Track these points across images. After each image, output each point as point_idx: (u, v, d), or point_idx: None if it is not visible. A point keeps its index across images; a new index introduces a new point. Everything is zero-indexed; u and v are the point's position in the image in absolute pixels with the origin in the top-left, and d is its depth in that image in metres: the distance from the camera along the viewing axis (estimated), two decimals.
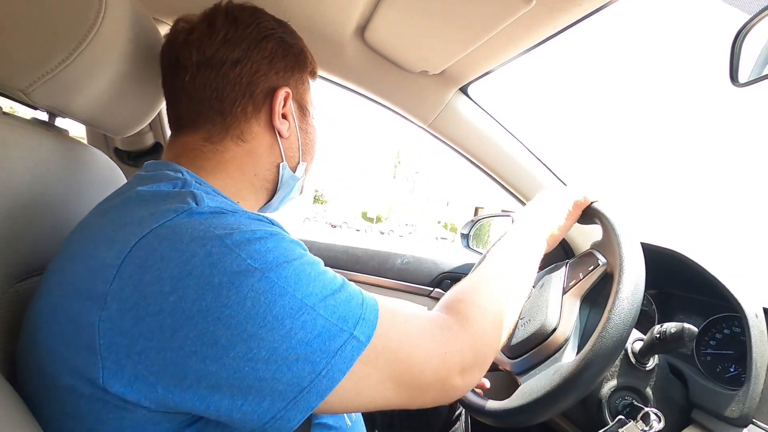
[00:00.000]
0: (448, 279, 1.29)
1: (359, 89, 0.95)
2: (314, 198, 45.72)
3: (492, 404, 0.64)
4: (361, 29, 0.84)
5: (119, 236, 0.38)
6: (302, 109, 0.60)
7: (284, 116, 0.56)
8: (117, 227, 0.39)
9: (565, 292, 0.68)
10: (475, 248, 1.41)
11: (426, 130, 1.00)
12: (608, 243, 0.64)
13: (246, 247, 0.37)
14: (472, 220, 1.49)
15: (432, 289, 1.30)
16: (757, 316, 0.64)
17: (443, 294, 1.38)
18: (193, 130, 0.53)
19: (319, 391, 0.36)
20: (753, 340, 0.62)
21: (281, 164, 0.57)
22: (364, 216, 43.44)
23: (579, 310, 0.64)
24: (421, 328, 0.44)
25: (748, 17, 0.51)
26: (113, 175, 0.68)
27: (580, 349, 0.61)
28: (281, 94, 0.54)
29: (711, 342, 0.78)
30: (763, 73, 0.53)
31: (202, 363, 0.34)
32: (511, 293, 0.55)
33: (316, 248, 1.30)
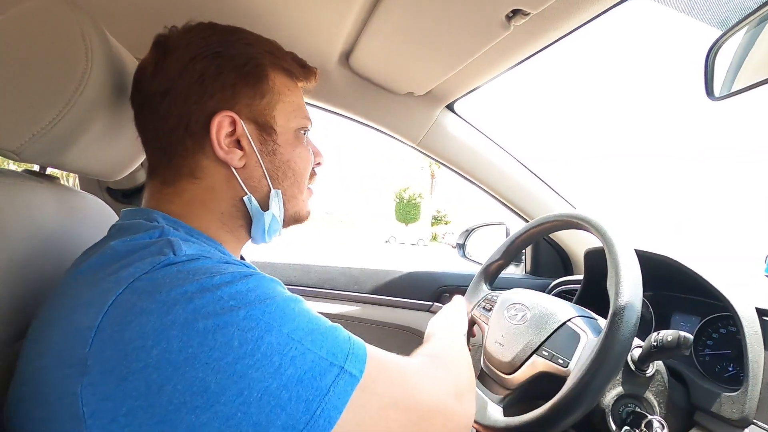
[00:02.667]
0: (447, 292, 1.29)
1: (347, 113, 0.96)
2: (434, 218, 41.69)
3: (501, 419, 0.65)
4: (346, 55, 0.85)
5: (95, 296, 0.36)
6: (265, 128, 0.51)
7: (239, 142, 0.50)
8: (92, 287, 0.37)
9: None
10: (471, 258, 1.42)
11: (416, 149, 1.02)
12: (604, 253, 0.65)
13: (227, 288, 0.36)
14: (467, 230, 1.50)
15: (432, 303, 1.30)
16: (750, 317, 0.66)
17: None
18: (152, 175, 0.51)
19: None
20: (748, 341, 0.64)
21: (245, 198, 0.51)
22: None
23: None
24: (408, 360, 0.47)
25: (719, 33, 0.53)
26: (108, 221, 0.68)
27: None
28: (218, 120, 0.48)
29: (708, 342, 0.79)
30: (736, 88, 0.54)
31: (193, 414, 0.32)
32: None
33: (314, 271, 1.30)
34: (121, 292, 0.35)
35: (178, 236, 0.43)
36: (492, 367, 0.74)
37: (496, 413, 0.69)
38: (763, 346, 0.64)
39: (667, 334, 0.59)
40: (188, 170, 0.49)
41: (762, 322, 0.65)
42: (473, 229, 1.46)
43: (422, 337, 1.33)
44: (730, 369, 0.75)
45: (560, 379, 0.60)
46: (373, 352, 0.42)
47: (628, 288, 0.57)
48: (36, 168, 0.59)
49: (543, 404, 0.59)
